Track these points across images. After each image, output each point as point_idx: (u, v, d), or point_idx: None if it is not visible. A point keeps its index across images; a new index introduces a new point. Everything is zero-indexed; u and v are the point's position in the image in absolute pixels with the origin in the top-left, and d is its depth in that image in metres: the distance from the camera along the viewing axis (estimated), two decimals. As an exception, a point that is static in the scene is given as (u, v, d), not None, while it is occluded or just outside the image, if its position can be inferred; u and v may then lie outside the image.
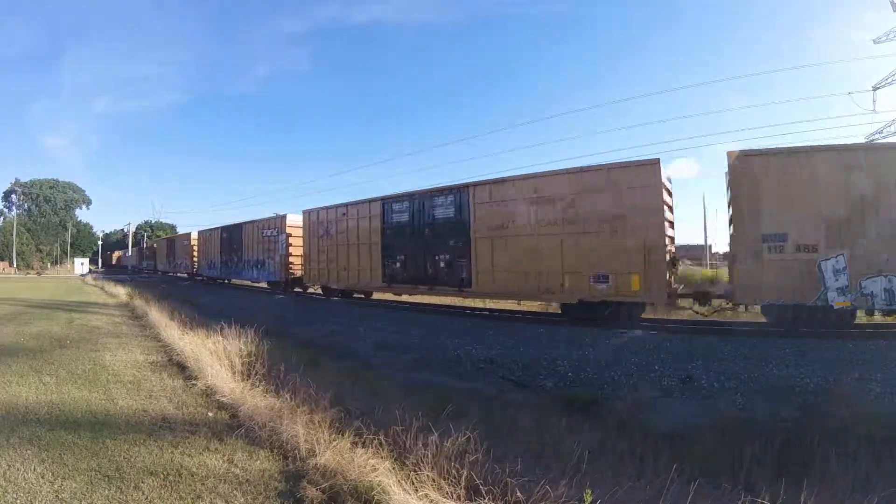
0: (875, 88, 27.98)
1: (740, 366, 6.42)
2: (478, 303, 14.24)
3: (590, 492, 2.48)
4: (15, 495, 2.62)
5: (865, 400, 5.21)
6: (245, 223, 22.57)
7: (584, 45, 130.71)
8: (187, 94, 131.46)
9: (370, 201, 14.40)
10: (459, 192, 11.92)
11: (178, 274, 35.25)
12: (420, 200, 12.90)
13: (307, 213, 17.31)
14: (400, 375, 6.87)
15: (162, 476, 2.88)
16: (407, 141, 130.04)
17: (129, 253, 58.91)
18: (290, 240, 18.26)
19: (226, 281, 26.64)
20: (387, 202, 13.86)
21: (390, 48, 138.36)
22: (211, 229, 27.48)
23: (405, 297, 15.14)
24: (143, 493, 2.67)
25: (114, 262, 66.62)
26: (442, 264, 12.18)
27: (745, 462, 3.63)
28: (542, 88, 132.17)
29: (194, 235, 30.70)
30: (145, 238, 68.70)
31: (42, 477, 2.84)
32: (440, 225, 12.30)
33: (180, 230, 72.84)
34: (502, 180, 11.13)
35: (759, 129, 67.73)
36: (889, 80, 28.03)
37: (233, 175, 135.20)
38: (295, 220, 18.49)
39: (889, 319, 8.76)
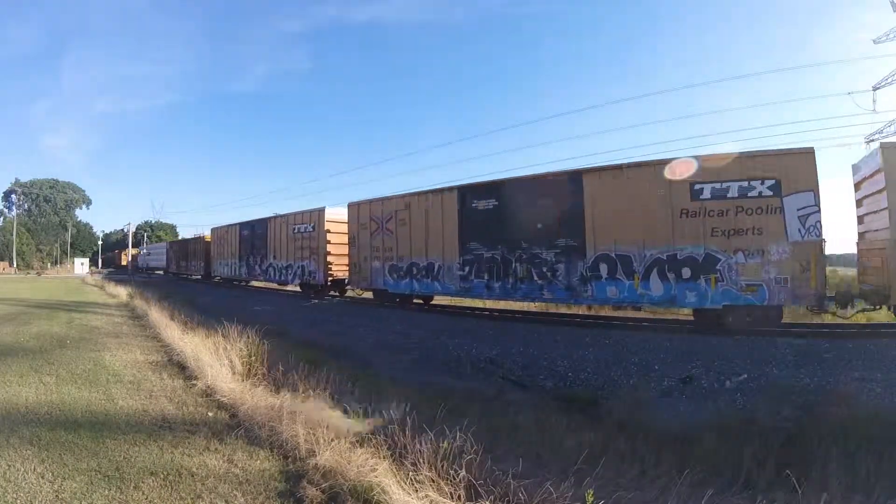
0: (875, 88, 27.98)
1: (740, 366, 6.42)
2: (477, 302, 12.98)
3: (591, 492, 2.48)
4: (15, 495, 2.61)
5: (865, 400, 5.21)
6: (587, 171, 9.84)
7: (585, 44, 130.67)
8: (187, 94, 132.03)
9: None
10: None
11: (264, 284, 21.92)
12: None
13: None
14: (400, 375, 6.87)
15: (162, 476, 2.88)
16: (407, 141, 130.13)
17: (143, 251, 50.07)
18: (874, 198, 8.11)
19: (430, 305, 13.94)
20: None
21: (390, 48, 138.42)
22: (409, 196, 13.29)
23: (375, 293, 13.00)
24: (143, 493, 2.67)
25: (122, 262, 55.54)
26: None
27: (745, 462, 3.62)
28: (542, 88, 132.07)
29: (333, 214, 16.40)
30: (145, 238, 68.36)
31: (42, 477, 2.83)
32: None
33: (180, 230, 71.54)
34: None
35: (759, 129, 67.58)
36: (889, 80, 28.02)
37: (233, 175, 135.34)
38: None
39: (888, 319, 8.76)
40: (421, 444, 2.99)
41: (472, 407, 4.81)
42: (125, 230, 58.13)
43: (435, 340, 9.02)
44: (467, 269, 11.55)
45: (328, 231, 16.28)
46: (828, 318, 9.29)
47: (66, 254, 71.20)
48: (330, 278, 16.36)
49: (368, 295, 15.38)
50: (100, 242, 71.30)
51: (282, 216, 19.41)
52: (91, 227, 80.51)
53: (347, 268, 15.76)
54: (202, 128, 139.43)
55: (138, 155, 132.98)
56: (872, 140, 27.07)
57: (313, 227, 16.95)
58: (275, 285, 20.90)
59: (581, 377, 6.69)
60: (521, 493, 2.56)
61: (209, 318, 8.82)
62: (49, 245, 71.59)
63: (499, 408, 5.24)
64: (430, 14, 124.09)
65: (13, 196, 76.12)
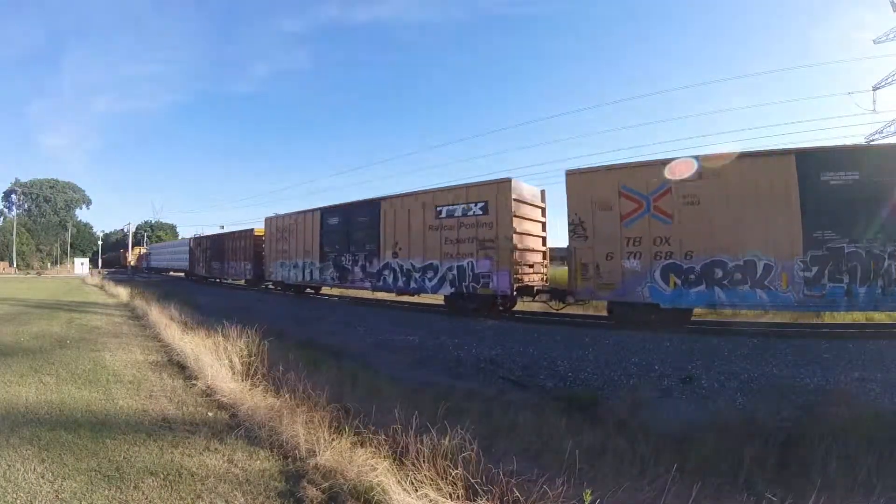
0: (875, 88, 27.99)
1: (740, 366, 6.42)
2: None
3: (589, 491, 2.48)
4: (15, 495, 2.61)
5: (865, 400, 5.22)
6: None
7: (586, 44, 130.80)
8: (188, 94, 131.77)
9: None
10: None
11: (353, 292, 16.27)
12: None
13: None
14: (400, 375, 6.87)
15: (162, 476, 2.88)
16: (407, 141, 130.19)
17: (146, 249, 46.43)
18: None
19: None
20: None
21: (391, 48, 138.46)
22: (700, 160, 8.93)
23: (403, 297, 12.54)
24: (143, 493, 2.67)
25: (128, 262, 48.65)
26: None
27: (745, 462, 3.63)
28: (543, 88, 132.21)
29: (518, 190, 11.52)
30: (146, 238, 68.28)
31: (42, 477, 2.83)
32: None
33: (180, 230, 71.16)
34: None
35: (760, 129, 67.51)
36: (889, 80, 28.03)
37: (233, 175, 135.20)
38: None
39: (888, 319, 8.75)
40: (421, 444, 2.99)
41: (472, 407, 4.82)
42: (125, 230, 57.47)
43: (435, 340, 9.03)
44: (816, 269, 8.05)
45: (514, 215, 11.10)
46: (826, 318, 9.30)
47: (66, 254, 71.20)
48: (516, 285, 11.12)
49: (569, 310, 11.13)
50: (100, 242, 71.15)
51: (412, 194, 13.28)
52: (91, 227, 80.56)
53: (532, 270, 11.63)
54: (202, 127, 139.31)
55: (138, 155, 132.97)
56: (872, 140, 27.10)
57: (484, 209, 11.40)
58: (381, 296, 14.73)
59: (581, 377, 6.69)
60: (519, 491, 2.56)
61: (209, 318, 8.82)
62: (49, 245, 71.64)
63: (499, 408, 5.24)
64: (430, 13, 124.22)
65: (13, 196, 76.25)
